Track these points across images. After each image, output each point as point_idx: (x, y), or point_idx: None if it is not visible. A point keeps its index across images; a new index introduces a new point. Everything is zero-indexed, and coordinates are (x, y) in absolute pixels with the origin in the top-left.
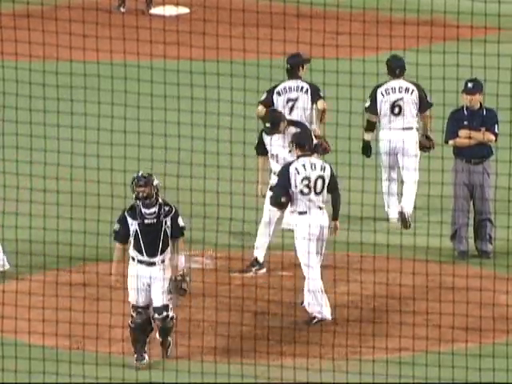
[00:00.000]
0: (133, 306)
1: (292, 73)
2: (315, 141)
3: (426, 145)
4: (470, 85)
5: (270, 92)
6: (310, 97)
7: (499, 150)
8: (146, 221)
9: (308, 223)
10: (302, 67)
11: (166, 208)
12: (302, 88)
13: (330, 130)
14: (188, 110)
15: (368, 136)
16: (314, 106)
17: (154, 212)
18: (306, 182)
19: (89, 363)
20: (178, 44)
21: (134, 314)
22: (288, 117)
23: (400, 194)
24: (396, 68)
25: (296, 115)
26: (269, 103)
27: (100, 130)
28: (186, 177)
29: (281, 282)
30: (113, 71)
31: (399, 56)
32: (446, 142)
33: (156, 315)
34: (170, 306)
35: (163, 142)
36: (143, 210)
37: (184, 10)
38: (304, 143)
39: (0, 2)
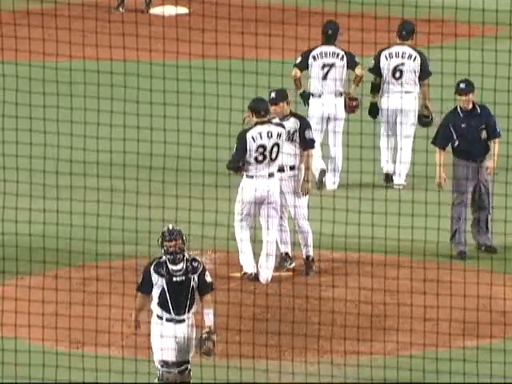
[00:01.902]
0: (160, 363)
1: (330, 38)
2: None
3: (426, 123)
4: (462, 85)
5: (305, 56)
6: (345, 63)
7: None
8: (174, 278)
9: (254, 187)
10: (338, 34)
11: (195, 264)
12: (337, 54)
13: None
14: (187, 105)
15: (374, 98)
16: (349, 71)
17: (182, 268)
18: (261, 150)
19: (88, 356)
20: (177, 40)
21: (162, 371)
22: (322, 82)
23: (394, 162)
24: (403, 30)
25: (331, 80)
26: (303, 67)
27: (99, 125)
28: (185, 171)
29: (279, 281)
30: (112, 67)
31: (410, 21)
32: (433, 144)
33: (175, 368)
34: (191, 361)
35: (162, 136)
36: (170, 267)
37: (183, 10)
38: (260, 109)
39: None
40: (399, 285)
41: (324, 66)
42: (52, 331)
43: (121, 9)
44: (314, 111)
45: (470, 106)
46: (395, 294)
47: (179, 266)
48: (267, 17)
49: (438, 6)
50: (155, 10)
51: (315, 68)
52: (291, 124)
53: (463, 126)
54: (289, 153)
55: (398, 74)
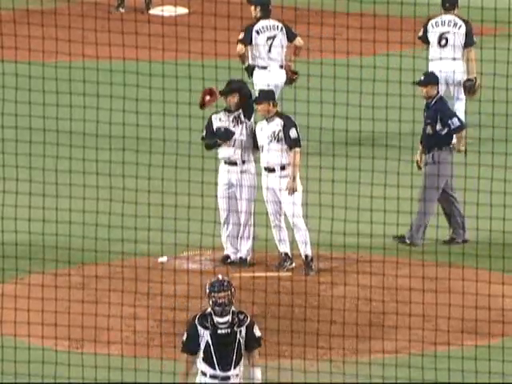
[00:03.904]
0: None
1: (268, 12)
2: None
3: (470, 87)
4: (421, 77)
5: (248, 31)
6: (285, 35)
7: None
8: (219, 331)
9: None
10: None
11: (241, 316)
12: (277, 27)
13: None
14: (186, 103)
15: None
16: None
17: (228, 321)
18: None
19: (88, 353)
20: (176, 40)
21: None
22: (268, 54)
23: None
24: (446, 2)
25: (274, 52)
26: (247, 42)
27: (98, 123)
28: (184, 168)
29: (278, 284)
30: (111, 66)
31: None
32: None
33: None
34: None
35: (161, 134)
36: (216, 319)
37: (183, 10)
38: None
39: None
40: (398, 283)
41: (268, 38)
42: (51, 329)
43: (121, 9)
44: (260, 83)
45: (430, 100)
46: (394, 292)
47: (225, 319)
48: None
49: (436, 4)
50: (155, 11)
51: (260, 42)
52: (276, 125)
53: (424, 114)
54: (276, 153)
55: (443, 42)
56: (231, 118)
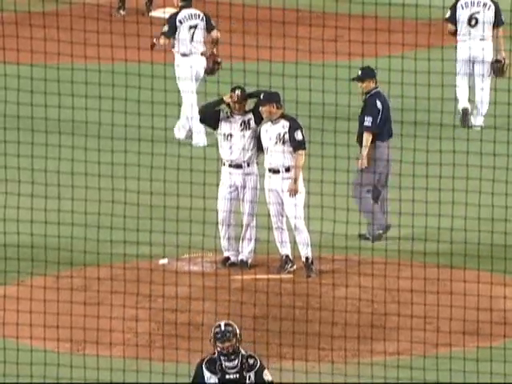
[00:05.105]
0: None
1: (189, 1)
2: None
3: (497, 68)
4: (359, 72)
5: (172, 22)
6: (205, 24)
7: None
8: (227, 376)
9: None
10: None
11: (251, 361)
12: (199, 15)
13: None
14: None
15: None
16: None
17: (237, 365)
18: None
19: (90, 355)
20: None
21: None
22: (191, 43)
23: (472, 101)
24: None
25: (196, 41)
26: (171, 34)
27: (101, 125)
28: (186, 170)
29: (279, 285)
30: (113, 67)
31: None
32: None
33: None
34: None
35: (163, 135)
36: (224, 364)
37: None
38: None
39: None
40: (399, 285)
41: (190, 27)
42: (53, 331)
43: (121, 11)
44: (185, 73)
45: (366, 94)
46: (395, 293)
47: (234, 363)
48: (268, 17)
49: (438, 5)
50: (156, 13)
51: (184, 30)
52: (281, 126)
53: None
54: (281, 154)
55: (473, 22)
56: (240, 122)
